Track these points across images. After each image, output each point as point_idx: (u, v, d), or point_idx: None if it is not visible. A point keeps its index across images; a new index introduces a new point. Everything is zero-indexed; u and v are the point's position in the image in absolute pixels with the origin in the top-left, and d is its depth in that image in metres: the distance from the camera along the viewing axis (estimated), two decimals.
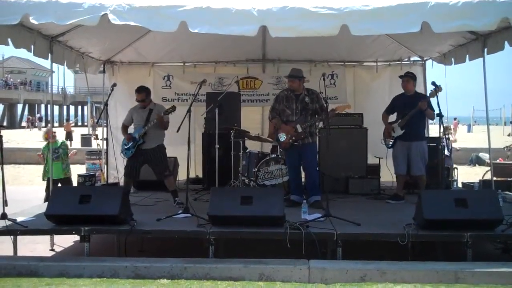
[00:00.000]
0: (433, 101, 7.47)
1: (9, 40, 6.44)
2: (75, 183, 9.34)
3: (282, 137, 7.47)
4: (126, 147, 7.65)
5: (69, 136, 25.61)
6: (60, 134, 9.83)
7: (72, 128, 30.18)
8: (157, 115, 7.42)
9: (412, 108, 7.58)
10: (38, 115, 57.69)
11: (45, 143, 9.72)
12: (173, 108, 7.45)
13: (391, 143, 8.00)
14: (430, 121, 9.18)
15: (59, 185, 9.10)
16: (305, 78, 7.70)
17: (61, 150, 9.36)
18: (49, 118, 48.13)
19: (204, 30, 5.61)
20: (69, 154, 9.66)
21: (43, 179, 9.48)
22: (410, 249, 5.53)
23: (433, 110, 7.59)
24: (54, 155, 9.12)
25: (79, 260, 5.67)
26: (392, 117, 8.16)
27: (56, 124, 46.27)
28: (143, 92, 7.68)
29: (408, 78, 7.93)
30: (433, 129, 10.47)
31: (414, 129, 7.73)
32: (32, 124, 53.27)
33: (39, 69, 75.60)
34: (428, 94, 7.66)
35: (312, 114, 7.46)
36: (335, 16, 5.50)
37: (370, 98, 10.52)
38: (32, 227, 6.04)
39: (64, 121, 56.89)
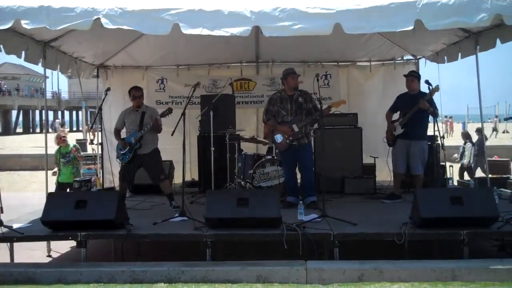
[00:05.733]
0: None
1: (1, 46, 6.41)
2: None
3: (279, 138, 7.46)
4: (122, 152, 7.57)
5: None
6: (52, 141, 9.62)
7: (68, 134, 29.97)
8: (153, 120, 7.40)
9: (414, 107, 7.54)
10: (58, 120, 56.42)
11: (56, 147, 9.60)
12: (170, 110, 7.42)
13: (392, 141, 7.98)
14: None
15: (68, 189, 9.07)
16: (300, 75, 7.72)
17: (72, 154, 9.34)
18: (43, 123, 47.68)
19: (197, 32, 5.60)
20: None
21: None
22: (407, 248, 5.53)
23: (435, 108, 7.55)
24: (66, 159, 9.17)
25: (76, 266, 5.65)
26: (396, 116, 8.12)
27: (50, 130, 45.75)
28: (140, 90, 7.73)
29: (412, 77, 7.90)
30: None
31: (414, 128, 7.69)
32: (54, 130, 52.21)
33: (33, 74, 75.19)
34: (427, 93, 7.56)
35: (307, 114, 7.45)
36: (328, 15, 5.51)
37: (364, 98, 10.53)
38: (28, 234, 6.00)
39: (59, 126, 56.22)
